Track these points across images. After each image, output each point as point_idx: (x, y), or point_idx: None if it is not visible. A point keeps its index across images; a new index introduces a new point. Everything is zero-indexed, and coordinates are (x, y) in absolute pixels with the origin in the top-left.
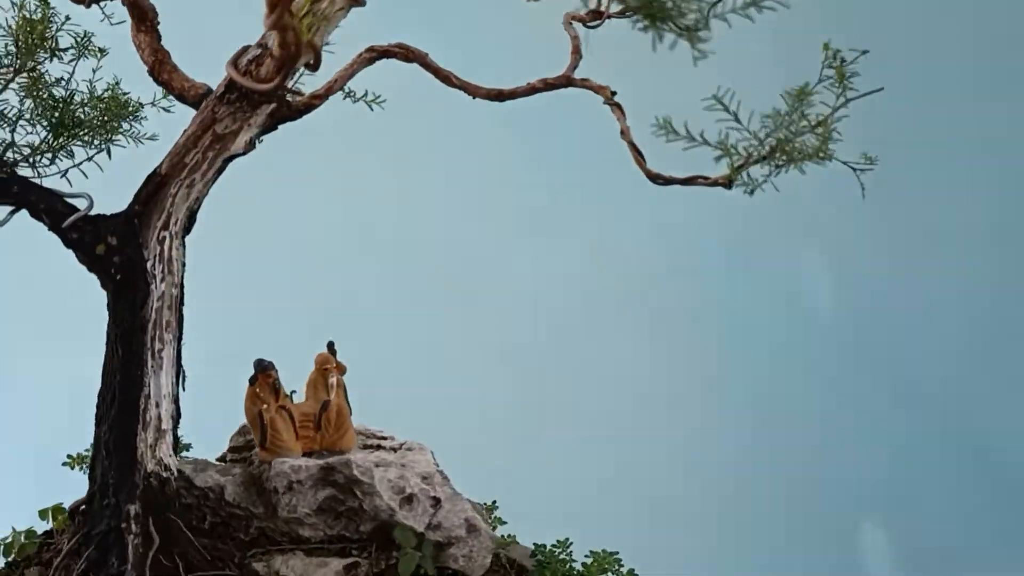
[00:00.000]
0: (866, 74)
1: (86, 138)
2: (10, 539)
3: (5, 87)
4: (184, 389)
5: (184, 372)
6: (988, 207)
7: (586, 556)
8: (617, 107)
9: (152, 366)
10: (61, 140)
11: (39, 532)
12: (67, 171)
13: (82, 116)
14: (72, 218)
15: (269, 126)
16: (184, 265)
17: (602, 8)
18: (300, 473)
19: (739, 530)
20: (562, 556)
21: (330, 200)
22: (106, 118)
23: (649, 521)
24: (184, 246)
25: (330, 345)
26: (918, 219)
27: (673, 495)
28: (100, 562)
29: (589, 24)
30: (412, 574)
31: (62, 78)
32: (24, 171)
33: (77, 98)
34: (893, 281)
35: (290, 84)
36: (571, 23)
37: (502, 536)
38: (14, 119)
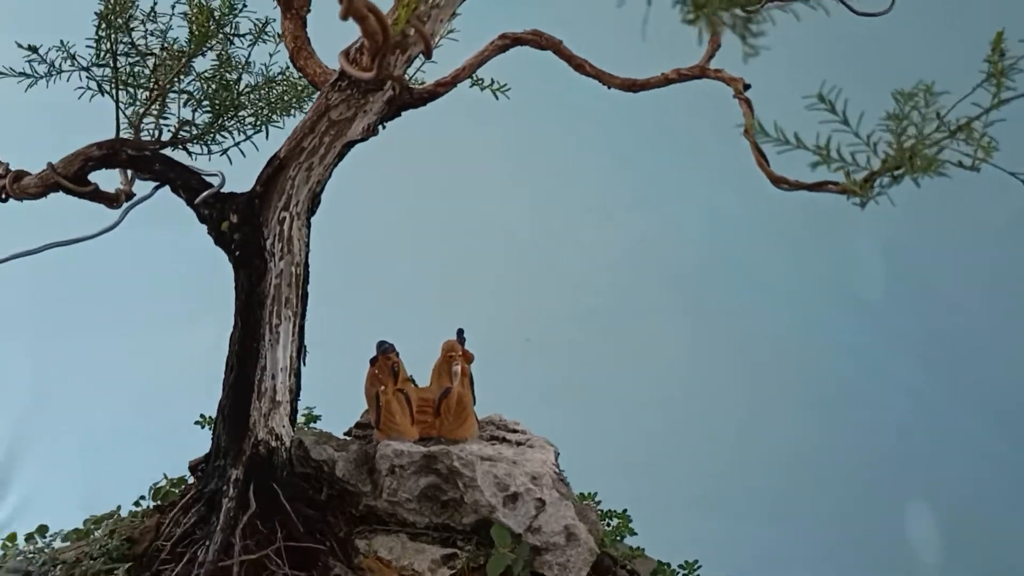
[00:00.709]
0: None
1: (248, 120)
2: (161, 484)
3: (177, 72)
4: (305, 364)
5: (306, 348)
6: None
7: None
8: (746, 101)
9: (269, 340)
10: (221, 121)
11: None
12: (226, 150)
13: (245, 101)
14: (203, 195)
15: (390, 113)
16: (308, 245)
17: None
18: (403, 458)
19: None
20: None
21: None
22: (272, 100)
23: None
24: (308, 227)
25: (459, 333)
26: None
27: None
28: (205, 519)
29: (748, 10)
30: None
31: (239, 62)
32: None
33: (249, 80)
34: (945, 269)
35: (408, 72)
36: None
37: (630, 548)
38: (180, 100)
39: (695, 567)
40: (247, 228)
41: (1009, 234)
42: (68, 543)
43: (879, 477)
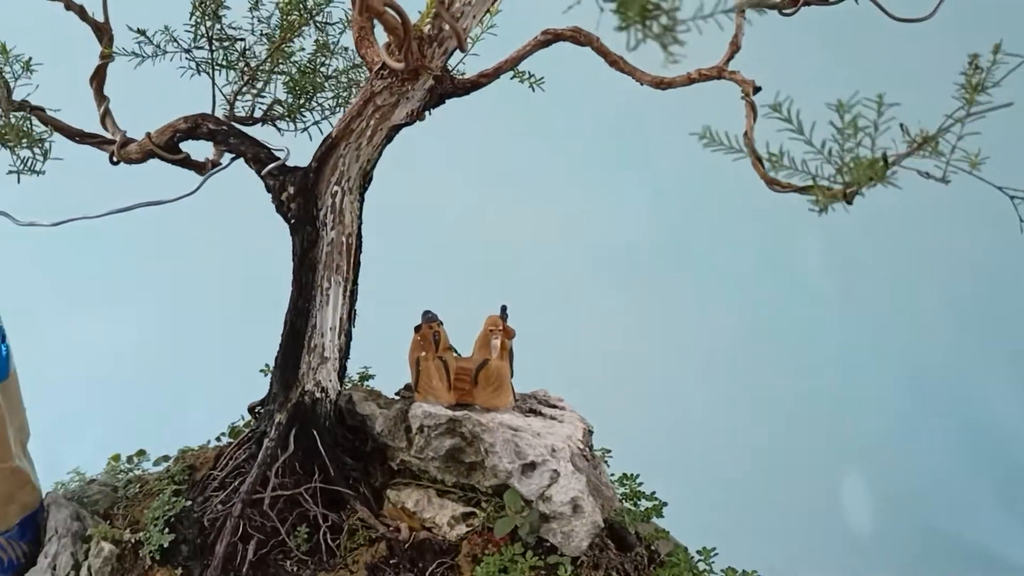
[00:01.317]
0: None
1: (328, 103)
2: (238, 424)
3: (267, 58)
4: (354, 326)
5: (356, 312)
6: None
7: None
8: (750, 105)
9: (320, 301)
10: (306, 101)
11: None
12: (307, 128)
13: (327, 84)
14: (269, 167)
15: (432, 100)
16: (360, 218)
17: None
18: (430, 419)
19: None
20: (701, 565)
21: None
22: (350, 83)
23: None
24: (361, 201)
25: (503, 309)
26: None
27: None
28: (253, 455)
29: (785, 12)
30: (513, 538)
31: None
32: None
33: (337, 64)
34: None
35: (446, 63)
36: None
37: (656, 528)
38: (274, 81)
39: (712, 553)
40: (302, 199)
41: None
42: (156, 467)
43: (816, 448)
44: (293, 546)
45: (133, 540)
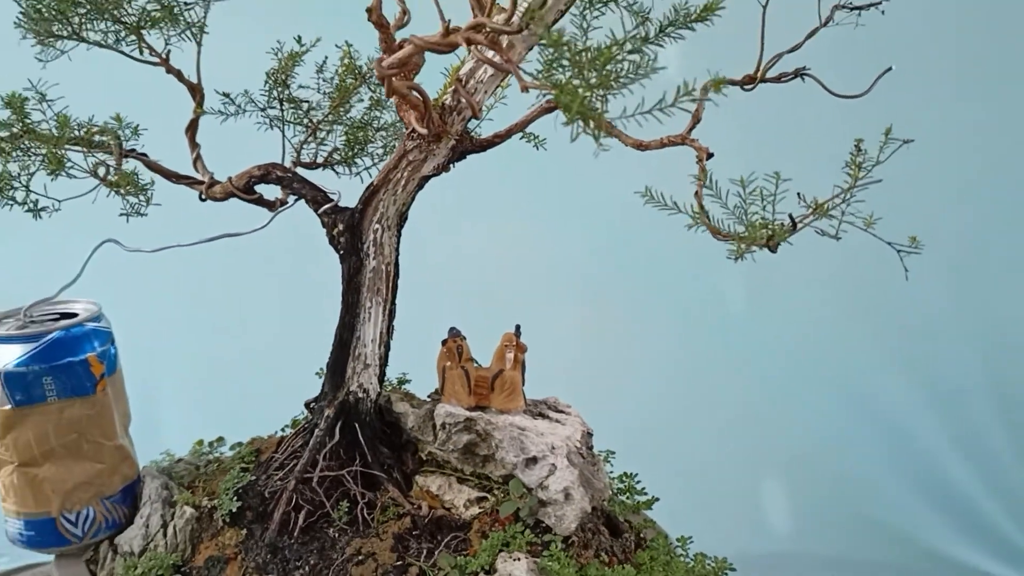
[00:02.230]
0: None
1: (378, 151)
2: (299, 417)
3: (326, 116)
4: (392, 338)
5: (393, 327)
6: None
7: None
8: (703, 168)
9: (363, 318)
10: (356, 150)
11: None
12: (359, 173)
13: (377, 136)
14: (324, 207)
15: (455, 156)
16: (396, 250)
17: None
18: (451, 418)
19: None
20: (678, 550)
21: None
22: (396, 135)
23: None
24: (398, 237)
25: (517, 328)
26: None
27: None
28: (306, 442)
29: (745, 87)
30: (515, 519)
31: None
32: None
33: (387, 118)
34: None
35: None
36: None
37: (645, 519)
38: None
39: (688, 540)
40: (349, 234)
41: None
42: (230, 451)
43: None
44: (336, 517)
45: (209, 506)
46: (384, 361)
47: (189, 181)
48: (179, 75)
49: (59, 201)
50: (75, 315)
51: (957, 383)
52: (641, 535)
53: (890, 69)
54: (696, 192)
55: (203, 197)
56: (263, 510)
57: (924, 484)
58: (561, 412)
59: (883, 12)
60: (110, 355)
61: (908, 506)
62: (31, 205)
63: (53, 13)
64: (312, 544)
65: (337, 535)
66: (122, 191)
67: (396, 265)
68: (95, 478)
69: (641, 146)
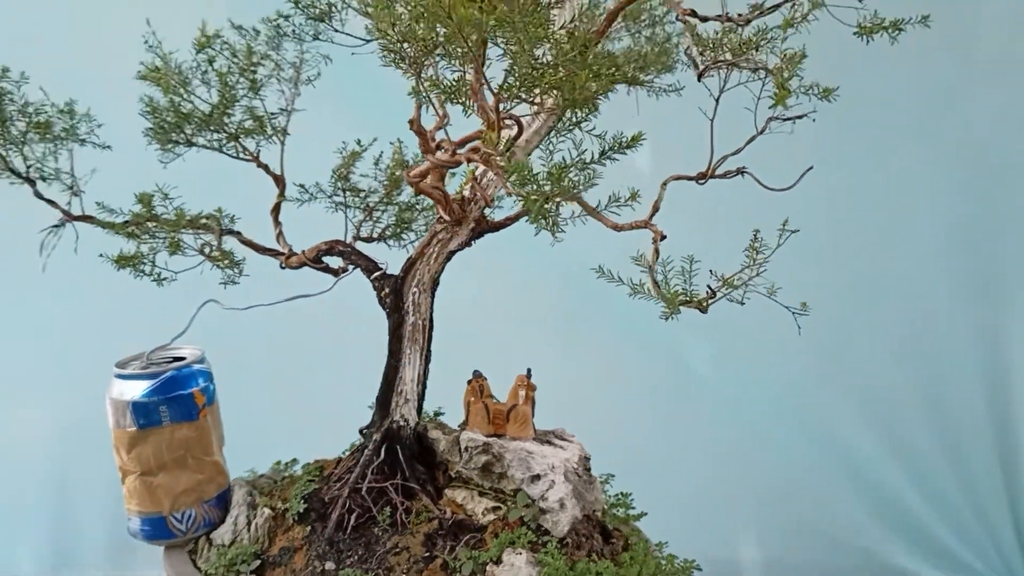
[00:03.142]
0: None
1: (420, 229)
2: (357, 442)
3: (379, 201)
4: (428, 378)
5: (429, 370)
6: None
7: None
8: (656, 250)
9: (404, 362)
10: (403, 228)
11: None
12: (405, 245)
13: (419, 216)
14: (375, 275)
15: (475, 235)
16: (431, 308)
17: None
18: (472, 443)
19: None
20: (656, 553)
21: None
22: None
23: None
24: (432, 297)
25: (528, 371)
26: None
27: None
28: (359, 461)
29: (700, 182)
30: (521, 523)
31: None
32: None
33: (428, 202)
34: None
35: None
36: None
37: (633, 529)
38: (377, 214)
39: (664, 545)
40: (393, 296)
41: None
42: (302, 469)
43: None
44: (380, 520)
45: (282, 508)
46: (421, 397)
47: (273, 253)
48: (266, 169)
49: (175, 273)
50: (184, 359)
51: (888, 390)
52: (628, 540)
53: (811, 168)
54: (651, 265)
55: (283, 266)
56: (323, 512)
57: (858, 487)
58: (565, 440)
59: (814, 120)
60: (209, 390)
61: (842, 509)
62: (156, 276)
63: (172, 127)
64: (360, 539)
65: (380, 533)
66: (221, 264)
67: (431, 320)
68: (197, 486)
69: (617, 228)
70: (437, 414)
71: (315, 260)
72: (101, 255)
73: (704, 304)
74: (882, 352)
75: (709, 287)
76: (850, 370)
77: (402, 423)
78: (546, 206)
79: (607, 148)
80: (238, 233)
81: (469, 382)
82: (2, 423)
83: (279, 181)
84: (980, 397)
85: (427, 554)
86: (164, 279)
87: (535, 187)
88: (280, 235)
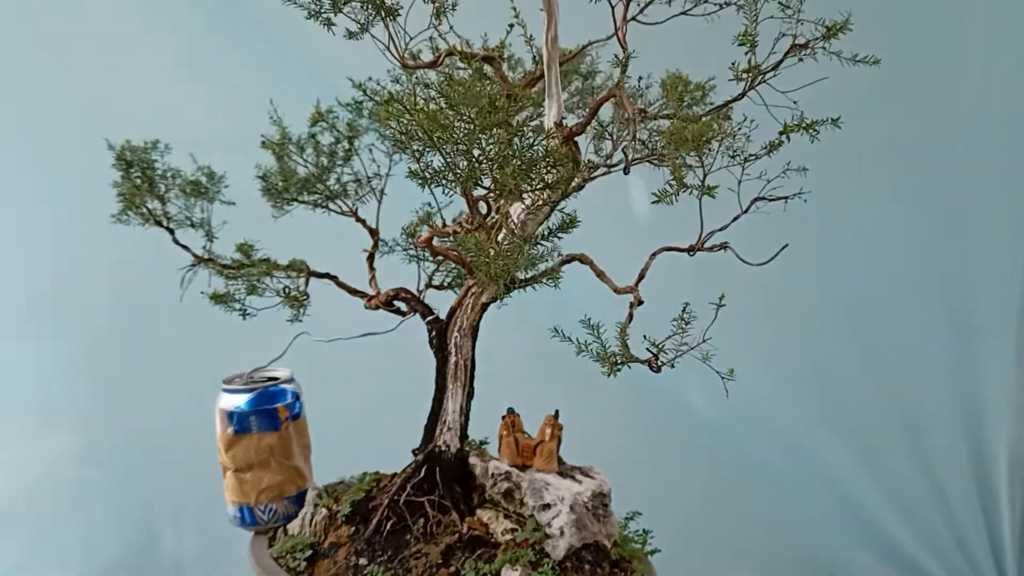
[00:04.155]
0: None
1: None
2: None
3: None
4: (470, 411)
5: (470, 404)
6: None
7: None
8: (631, 313)
9: (448, 395)
10: (454, 280)
11: None
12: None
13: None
14: (428, 319)
15: (507, 288)
16: (472, 349)
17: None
18: (497, 471)
19: None
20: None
21: None
22: None
23: None
24: (473, 340)
25: (556, 411)
26: None
27: None
28: (406, 478)
29: (689, 254)
30: (528, 544)
31: None
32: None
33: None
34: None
35: None
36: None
37: (645, 562)
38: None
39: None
40: (438, 339)
41: None
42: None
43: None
44: (413, 529)
45: (336, 509)
46: (464, 427)
47: (362, 294)
48: (364, 223)
49: (258, 310)
50: (276, 379)
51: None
52: (633, 571)
53: (787, 246)
54: (623, 328)
55: (366, 306)
56: (366, 517)
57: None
58: (588, 476)
59: (805, 200)
60: (295, 406)
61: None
62: (242, 312)
63: (281, 187)
64: (392, 543)
65: (410, 540)
66: (292, 304)
67: (472, 360)
68: (277, 485)
69: (619, 291)
70: (482, 443)
71: (386, 303)
72: (202, 292)
73: (651, 363)
74: (871, 388)
75: (648, 350)
76: (843, 407)
77: (443, 448)
78: (498, 274)
79: (553, 228)
80: (335, 277)
81: (503, 417)
82: (144, 430)
83: (374, 234)
84: (959, 431)
85: (441, 561)
86: (249, 314)
87: (487, 259)
88: (373, 279)
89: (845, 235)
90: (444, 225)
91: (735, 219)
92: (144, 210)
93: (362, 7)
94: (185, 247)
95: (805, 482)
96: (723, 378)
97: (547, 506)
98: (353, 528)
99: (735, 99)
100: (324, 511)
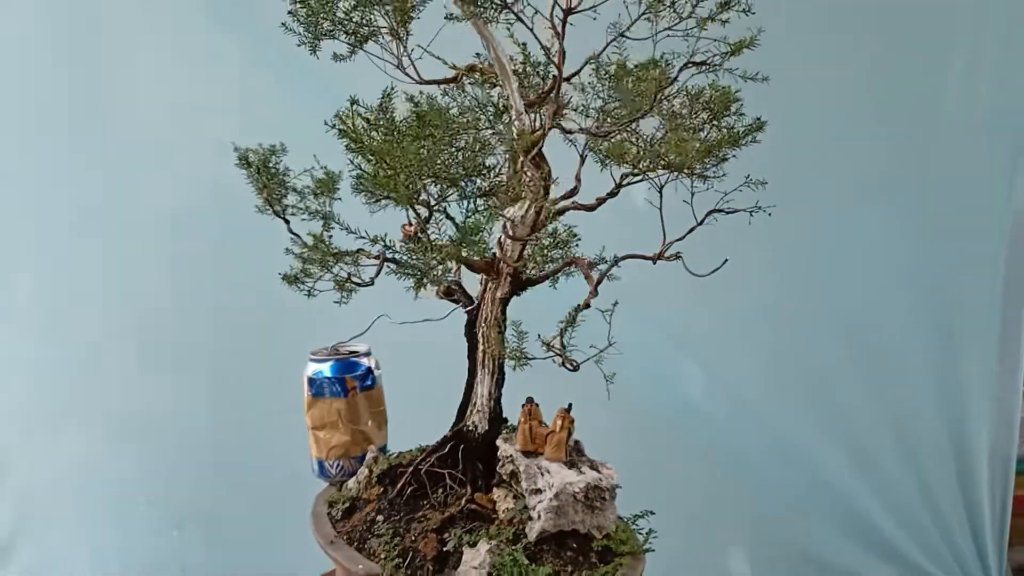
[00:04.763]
0: None
1: None
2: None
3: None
4: (500, 396)
5: (500, 391)
6: None
7: None
8: (573, 314)
9: (478, 380)
10: None
11: None
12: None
13: None
14: (470, 307)
15: (517, 287)
16: (500, 340)
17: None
18: (504, 454)
19: None
20: None
21: None
22: None
23: None
24: (499, 331)
25: (569, 404)
26: None
27: None
28: (433, 450)
29: (653, 262)
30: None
31: None
32: None
33: None
34: None
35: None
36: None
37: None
38: None
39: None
40: (471, 328)
41: None
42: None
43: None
44: (431, 496)
45: (376, 471)
46: (493, 411)
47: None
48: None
49: (319, 291)
50: (356, 352)
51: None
52: (620, 563)
53: (726, 261)
54: (564, 325)
55: (437, 296)
56: (393, 480)
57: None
58: (594, 470)
59: (769, 215)
60: (366, 379)
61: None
62: (307, 292)
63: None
64: (408, 506)
65: (424, 506)
66: (339, 289)
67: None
68: (344, 444)
69: (594, 292)
70: (512, 429)
71: (447, 293)
72: (279, 273)
73: (571, 364)
74: (862, 392)
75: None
76: (836, 410)
77: (471, 427)
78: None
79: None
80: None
81: (523, 406)
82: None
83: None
84: (944, 433)
85: (437, 527)
86: (312, 295)
87: (429, 255)
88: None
89: (838, 246)
90: (409, 224)
91: (690, 231)
92: (279, 206)
93: (346, 36)
94: (296, 235)
95: (797, 480)
96: (608, 381)
97: (538, 491)
98: (382, 489)
99: (645, 114)
100: (366, 471)
